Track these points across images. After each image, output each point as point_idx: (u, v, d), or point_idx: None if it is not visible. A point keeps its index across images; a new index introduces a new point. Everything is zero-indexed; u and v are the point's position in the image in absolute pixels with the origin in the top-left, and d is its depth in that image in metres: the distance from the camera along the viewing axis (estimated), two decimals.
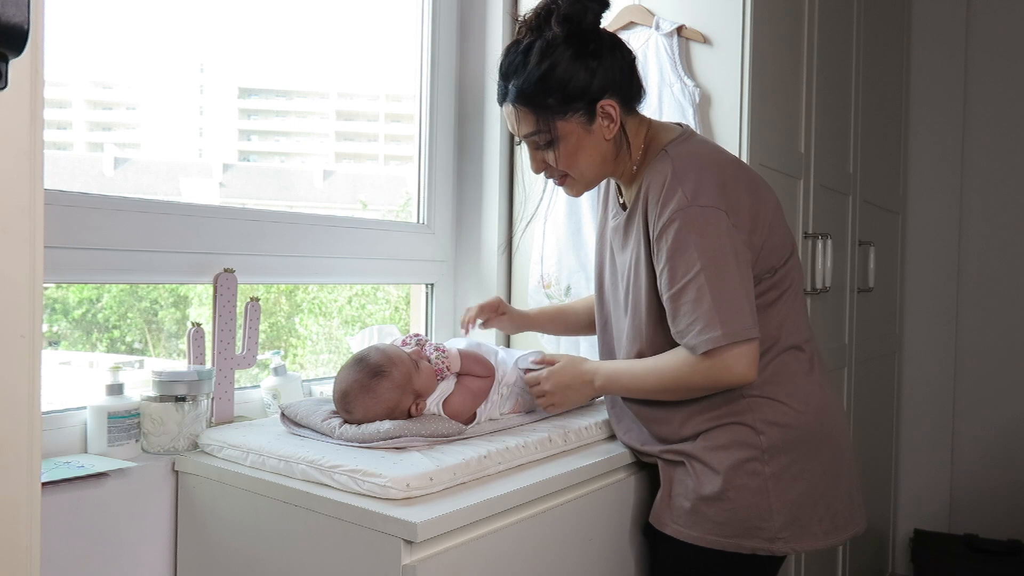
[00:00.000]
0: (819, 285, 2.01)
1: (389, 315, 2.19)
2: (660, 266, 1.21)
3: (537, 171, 1.34)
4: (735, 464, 1.22)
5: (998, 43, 2.75)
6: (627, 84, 1.29)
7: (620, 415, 1.40)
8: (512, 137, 1.95)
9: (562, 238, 1.84)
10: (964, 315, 2.82)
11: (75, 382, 1.50)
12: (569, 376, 1.36)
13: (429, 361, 1.35)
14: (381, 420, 1.25)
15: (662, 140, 1.30)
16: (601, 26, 1.28)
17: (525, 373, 1.44)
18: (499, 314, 1.59)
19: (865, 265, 2.46)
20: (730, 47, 1.64)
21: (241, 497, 1.20)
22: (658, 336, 1.27)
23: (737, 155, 1.64)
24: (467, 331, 1.56)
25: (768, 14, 1.70)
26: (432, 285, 1.97)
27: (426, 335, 1.56)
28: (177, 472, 1.30)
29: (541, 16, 1.25)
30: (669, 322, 1.22)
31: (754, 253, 1.22)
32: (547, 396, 1.38)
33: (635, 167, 1.31)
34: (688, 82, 1.67)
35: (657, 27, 1.71)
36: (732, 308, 1.16)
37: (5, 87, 0.55)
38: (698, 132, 1.41)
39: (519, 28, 1.28)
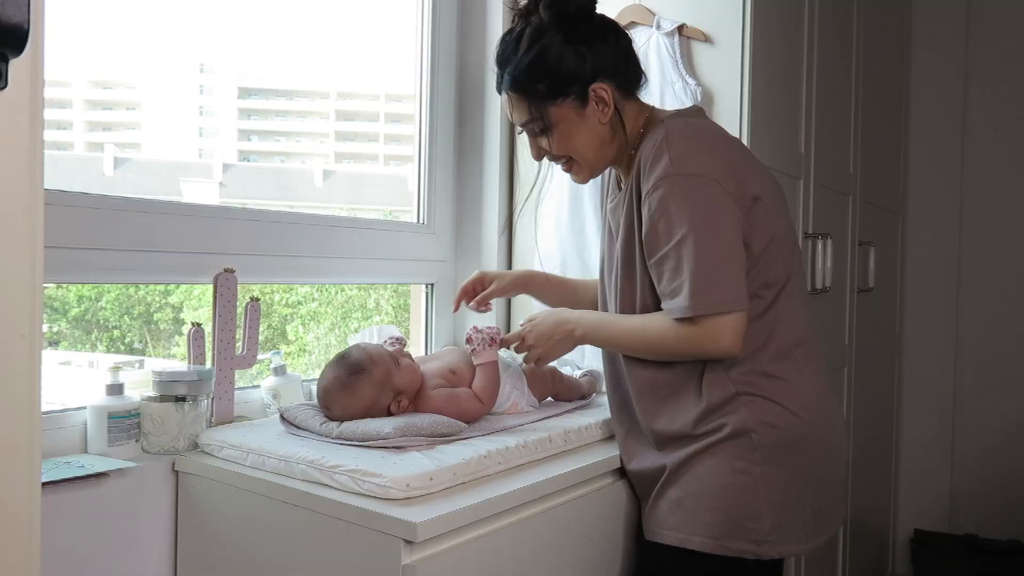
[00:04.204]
0: (819, 285, 2.01)
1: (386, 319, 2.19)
2: (644, 232, 1.20)
3: (537, 158, 1.33)
4: (725, 462, 1.21)
5: (998, 43, 2.75)
6: (623, 69, 1.27)
7: (626, 437, 1.36)
8: (513, 135, 1.95)
9: (564, 238, 1.84)
10: (964, 315, 2.82)
11: (75, 382, 1.49)
12: (549, 327, 1.36)
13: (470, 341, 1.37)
14: (360, 418, 1.27)
15: (662, 117, 1.29)
16: (597, 11, 1.27)
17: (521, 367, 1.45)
18: (484, 289, 1.50)
19: (865, 265, 2.46)
20: (731, 46, 1.65)
21: (241, 497, 1.20)
22: (649, 310, 1.26)
23: None
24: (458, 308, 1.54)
25: (769, 13, 1.70)
26: (432, 285, 1.97)
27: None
28: (177, 472, 1.30)
29: (531, 3, 1.25)
30: (656, 286, 1.21)
31: (748, 223, 1.20)
32: (531, 350, 1.37)
33: (633, 150, 1.29)
34: (690, 80, 1.67)
35: (658, 26, 1.71)
36: (715, 278, 1.15)
37: (5, 87, 0.55)
38: None
39: (513, 16, 1.29)
